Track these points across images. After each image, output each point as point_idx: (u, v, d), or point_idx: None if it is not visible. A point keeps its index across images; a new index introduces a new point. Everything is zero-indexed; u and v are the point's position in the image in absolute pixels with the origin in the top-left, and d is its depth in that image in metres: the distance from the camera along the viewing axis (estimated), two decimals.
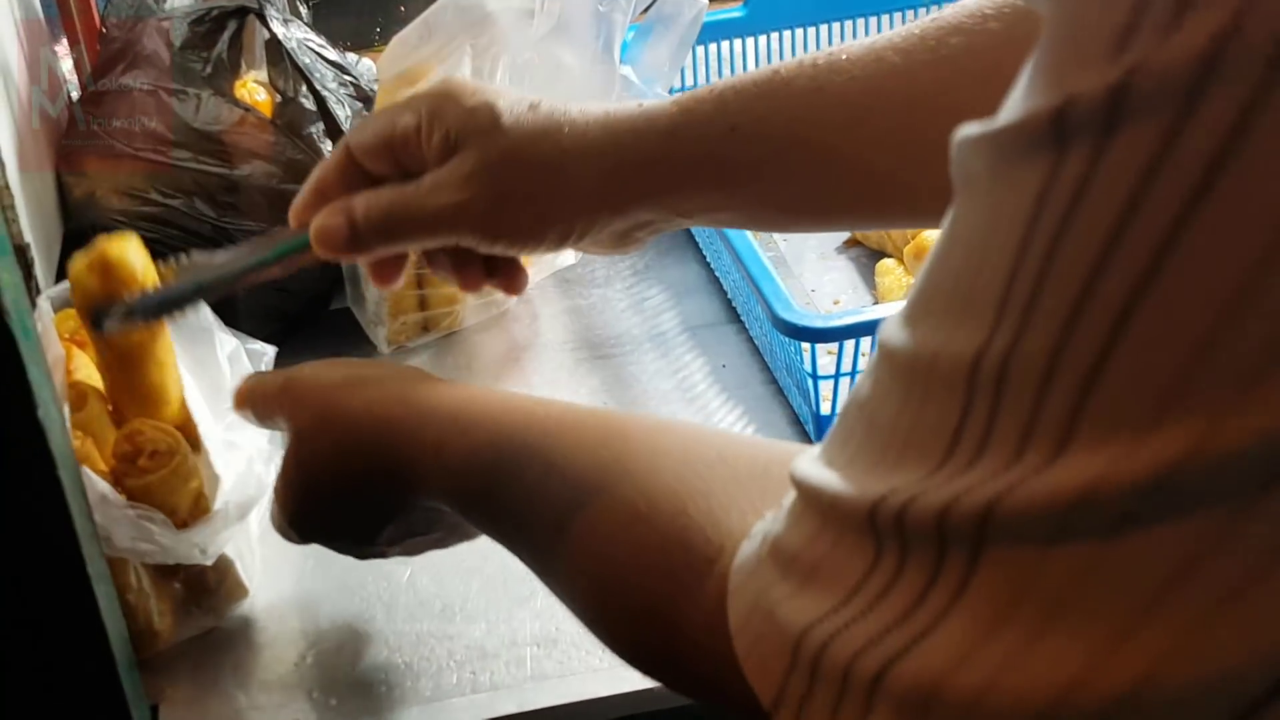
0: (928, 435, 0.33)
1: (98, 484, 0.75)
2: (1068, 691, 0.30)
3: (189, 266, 0.76)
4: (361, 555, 0.78)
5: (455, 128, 0.66)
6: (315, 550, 0.91)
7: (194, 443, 0.83)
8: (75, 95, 1.18)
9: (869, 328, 0.91)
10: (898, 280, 1.11)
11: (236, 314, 1.00)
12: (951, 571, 0.33)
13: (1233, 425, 0.27)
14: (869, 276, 1.16)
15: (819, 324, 0.90)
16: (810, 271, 1.17)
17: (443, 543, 0.77)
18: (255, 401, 0.76)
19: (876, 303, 1.13)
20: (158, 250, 1.03)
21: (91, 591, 0.68)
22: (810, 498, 0.39)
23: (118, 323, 0.77)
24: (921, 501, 0.33)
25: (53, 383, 0.67)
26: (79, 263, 0.77)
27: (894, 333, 0.35)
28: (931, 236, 1.12)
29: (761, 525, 0.43)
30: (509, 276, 0.73)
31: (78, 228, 1.06)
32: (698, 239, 1.21)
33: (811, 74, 0.64)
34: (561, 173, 0.66)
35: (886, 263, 1.14)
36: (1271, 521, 0.27)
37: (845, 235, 1.21)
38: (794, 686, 0.39)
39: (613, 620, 0.54)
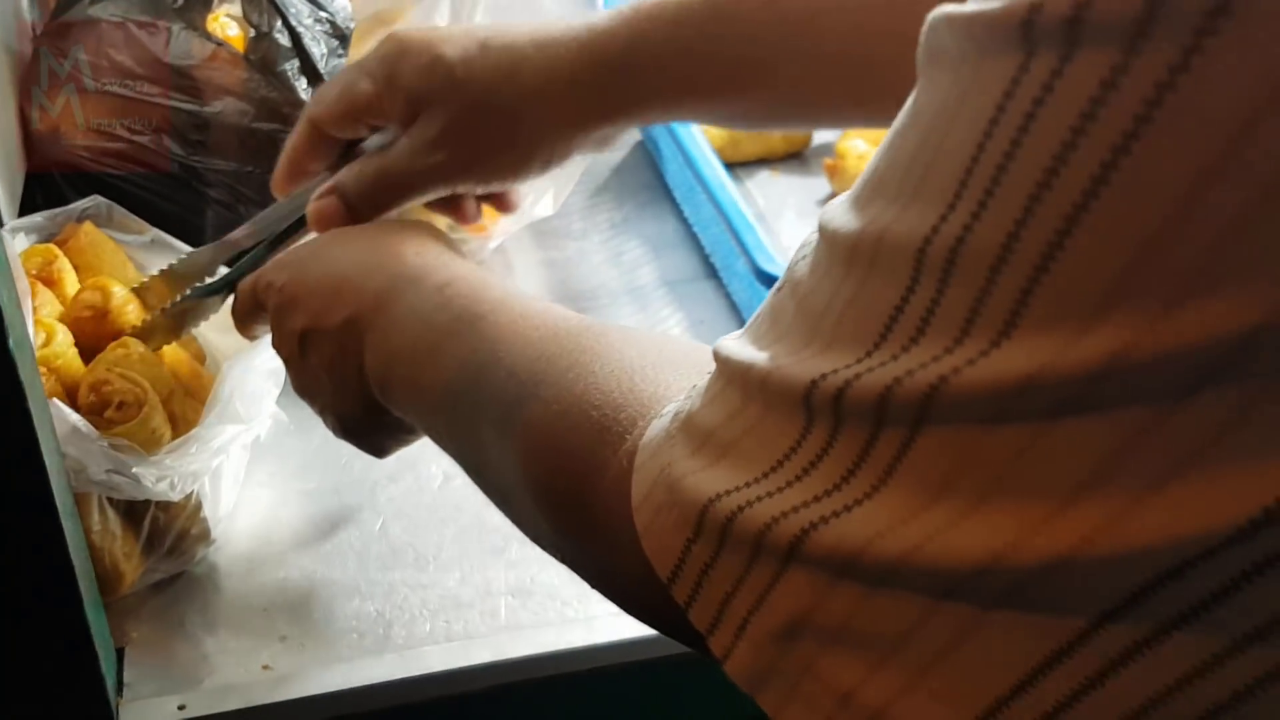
0: (864, 316, 0.34)
1: (69, 416, 0.72)
2: (996, 557, 0.32)
3: (187, 270, 0.81)
4: (334, 428, 0.74)
5: (413, 89, 0.68)
6: (285, 498, 0.89)
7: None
8: (35, 26, 1.15)
9: None
10: None
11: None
12: (885, 449, 0.34)
13: (1167, 329, 0.28)
14: None
15: None
16: (788, 227, 1.16)
17: (371, 440, 0.73)
18: (243, 301, 0.76)
19: None
20: (123, 188, 1.02)
21: (60, 526, 0.66)
22: (734, 374, 0.39)
23: (157, 340, 0.83)
24: (862, 382, 0.34)
25: (21, 313, 0.65)
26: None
27: (837, 215, 0.36)
28: None
29: (673, 405, 0.44)
30: (502, 199, 0.76)
31: (41, 163, 1.03)
32: (675, 194, 1.19)
33: None
34: (528, 114, 0.68)
35: None
36: (1194, 424, 0.29)
37: (825, 192, 1.20)
38: (696, 556, 0.40)
39: (544, 490, 0.52)
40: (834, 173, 1.18)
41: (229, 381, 0.81)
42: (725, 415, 0.39)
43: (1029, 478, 0.31)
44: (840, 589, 0.35)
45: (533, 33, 0.68)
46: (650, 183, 1.24)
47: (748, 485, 0.38)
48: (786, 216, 1.17)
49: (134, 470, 0.74)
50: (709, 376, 0.41)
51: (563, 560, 0.54)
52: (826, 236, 0.36)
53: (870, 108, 0.66)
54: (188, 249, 0.93)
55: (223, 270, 0.80)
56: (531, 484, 0.52)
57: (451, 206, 0.74)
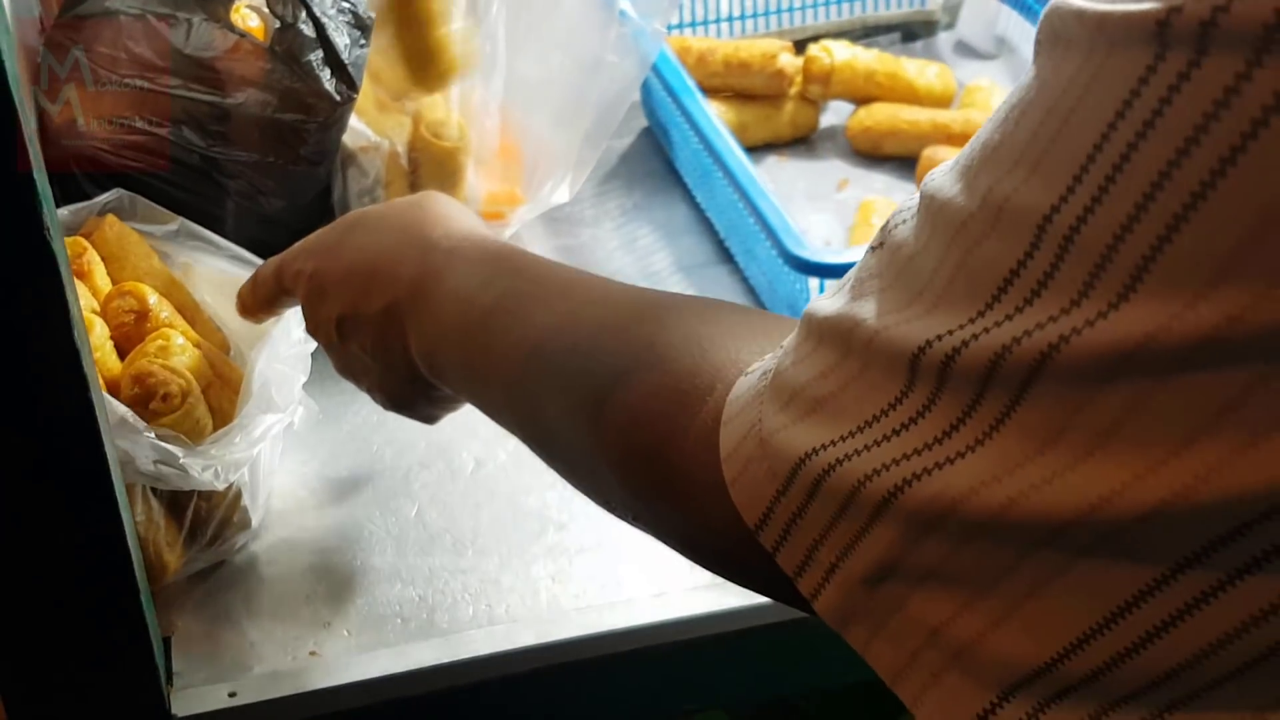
0: (978, 276, 0.36)
1: (118, 408, 0.73)
2: (1097, 505, 0.34)
3: None
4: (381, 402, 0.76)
5: None
6: (318, 486, 0.90)
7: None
8: (42, 20, 1.14)
9: None
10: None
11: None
12: (990, 408, 0.36)
13: (1273, 301, 0.31)
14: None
15: (831, 259, 0.90)
16: (800, 213, 1.17)
17: (413, 406, 0.75)
18: (266, 282, 0.78)
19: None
20: (142, 180, 1.02)
21: (119, 517, 0.67)
22: (830, 331, 0.41)
23: None
24: (977, 346, 0.36)
25: (80, 306, 0.65)
26: None
27: (945, 183, 0.38)
28: None
29: (761, 363, 0.46)
30: None
31: (59, 155, 1.03)
32: (686, 180, 1.20)
33: None
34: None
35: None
36: None
37: (838, 177, 1.21)
38: (784, 506, 0.42)
39: (619, 474, 0.52)
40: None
41: (259, 370, 0.82)
42: (818, 372, 0.41)
43: (1138, 430, 0.33)
44: (932, 537, 0.37)
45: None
46: (658, 169, 1.24)
47: (841, 440, 0.39)
48: (797, 201, 1.18)
49: (182, 461, 0.74)
50: (795, 336, 0.43)
51: (634, 521, 0.55)
52: (936, 204, 0.38)
53: None
54: (214, 237, 0.94)
55: None
56: (609, 459, 0.53)
57: None
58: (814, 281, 0.92)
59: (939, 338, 0.37)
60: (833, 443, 0.40)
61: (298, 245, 0.77)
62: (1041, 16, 0.36)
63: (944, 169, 0.39)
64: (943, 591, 0.38)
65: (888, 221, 0.41)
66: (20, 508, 0.65)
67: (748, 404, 0.44)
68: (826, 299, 0.42)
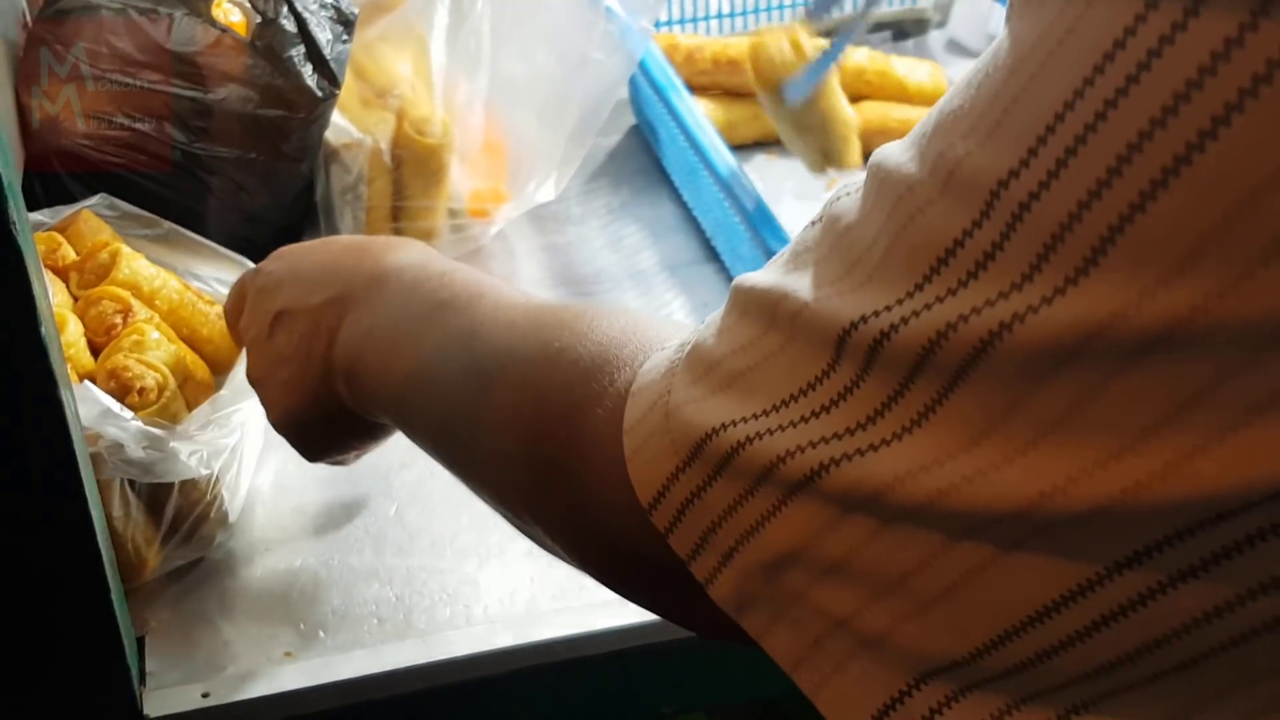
0: (915, 249, 0.33)
1: (102, 398, 0.73)
2: (1036, 500, 0.31)
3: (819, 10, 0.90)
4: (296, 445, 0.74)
5: None
6: (297, 485, 0.89)
7: None
8: (24, 15, 1.14)
9: None
10: None
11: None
12: (921, 393, 0.33)
13: (1249, 288, 0.28)
14: None
15: None
16: (787, 211, 1.16)
17: (354, 439, 0.74)
18: (231, 308, 0.77)
19: None
20: (124, 176, 1.01)
21: (89, 515, 0.66)
22: (754, 303, 0.38)
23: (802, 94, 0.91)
24: (908, 330, 0.33)
25: (50, 303, 0.65)
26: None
27: (893, 153, 0.35)
28: None
29: (678, 338, 0.43)
30: None
31: (40, 151, 1.03)
32: (673, 178, 1.19)
33: None
34: None
35: None
36: (1261, 380, 0.29)
37: (828, 177, 1.20)
38: (683, 484, 0.39)
39: (519, 445, 0.49)
40: None
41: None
42: (739, 344, 0.38)
43: (1085, 424, 0.31)
44: (847, 525, 0.35)
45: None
46: (646, 167, 1.24)
47: (755, 417, 0.37)
48: (785, 201, 1.17)
49: (171, 446, 0.74)
50: (721, 310, 0.40)
51: (531, 514, 0.51)
52: (881, 174, 0.35)
53: None
54: (202, 240, 0.93)
55: None
56: (517, 430, 0.49)
57: None
58: None
59: (870, 316, 0.34)
60: (745, 419, 0.37)
61: (274, 252, 0.77)
62: None
63: (900, 142, 0.36)
64: (851, 583, 0.36)
65: (832, 194, 0.38)
66: None
67: (659, 375, 0.41)
68: (759, 272, 0.40)
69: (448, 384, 0.56)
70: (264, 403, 0.73)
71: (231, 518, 0.84)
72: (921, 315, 0.33)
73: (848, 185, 0.38)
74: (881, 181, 0.35)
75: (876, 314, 0.34)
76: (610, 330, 0.47)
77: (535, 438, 0.48)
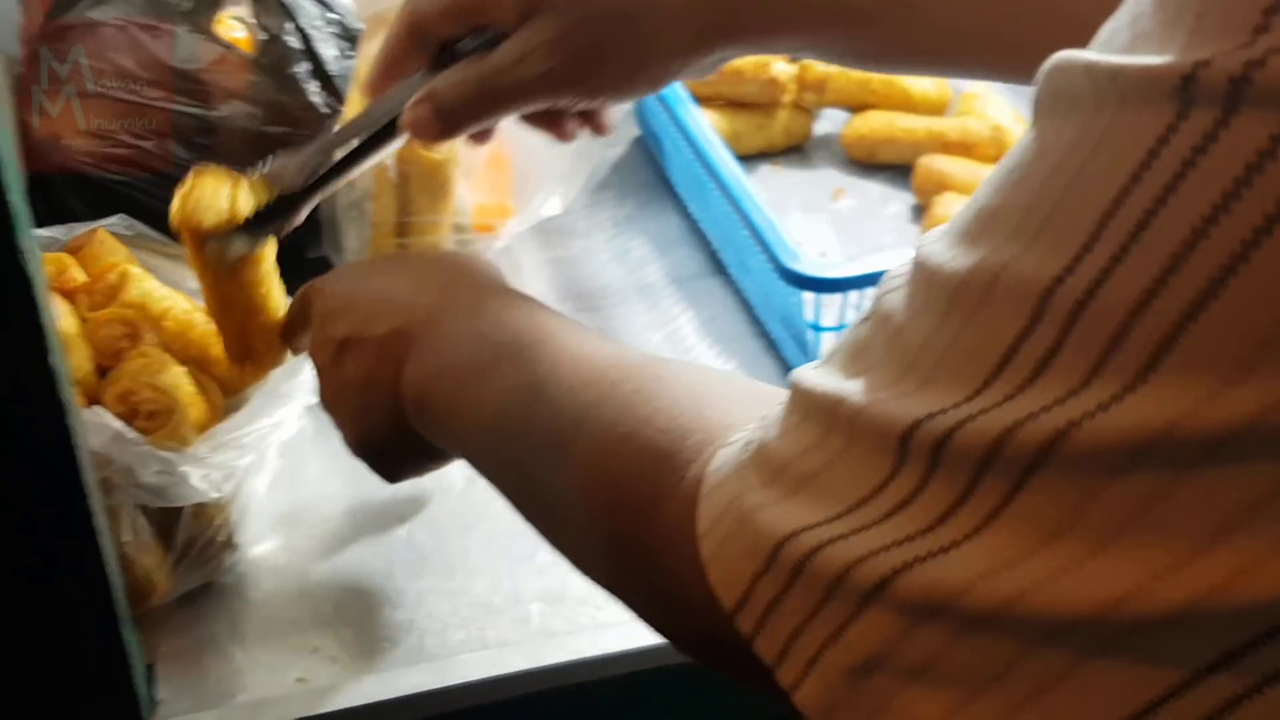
0: (973, 353, 0.33)
1: (112, 423, 0.72)
2: (1113, 604, 0.31)
3: (279, 173, 0.76)
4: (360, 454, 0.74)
5: None
6: (306, 506, 0.89)
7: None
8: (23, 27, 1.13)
9: (876, 279, 0.90)
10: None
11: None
12: (989, 494, 0.33)
13: None
14: (852, 230, 1.15)
15: (826, 274, 0.89)
16: (795, 224, 1.16)
17: (414, 462, 0.74)
18: (290, 315, 0.76)
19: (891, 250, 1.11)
20: (126, 193, 1.00)
21: (97, 544, 0.65)
22: (815, 406, 0.38)
23: (236, 247, 0.76)
24: (974, 426, 0.33)
25: (58, 330, 0.64)
26: (178, 201, 0.77)
27: (938, 250, 0.35)
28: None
29: (744, 434, 0.43)
30: (598, 120, 0.73)
31: (41, 169, 1.02)
32: (679, 190, 1.19)
33: None
34: (648, 25, 0.65)
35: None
36: None
37: (833, 186, 1.20)
38: (763, 590, 0.39)
39: (600, 520, 0.51)
40: (924, 191, 1.17)
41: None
42: (803, 448, 0.38)
43: (1158, 525, 0.30)
44: (926, 630, 0.35)
45: None
46: (651, 180, 1.23)
47: (827, 522, 0.37)
48: (792, 214, 1.17)
49: (182, 469, 0.73)
50: (782, 407, 0.41)
51: (614, 592, 0.53)
52: (926, 272, 0.35)
53: (1002, 63, 0.65)
54: None
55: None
56: (589, 508, 0.51)
57: (549, 122, 0.71)
58: (808, 296, 0.91)
59: (931, 416, 0.34)
60: (815, 525, 0.37)
61: (334, 270, 0.76)
62: (1041, 74, 0.33)
63: (938, 233, 0.36)
64: (935, 689, 0.35)
65: (879, 287, 0.39)
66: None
67: (728, 476, 0.42)
68: (815, 368, 0.40)
69: (514, 445, 0.57)
70: (339, 427, 0.73)
71: (241, 540, 0.83)
72: (984, 416, 0.33)
73: (895, 276, 0.38)
74: (928, 281, 0.35)
75: (938, 414, 0.34)
76: (673, 414, 0.48)
77: (610, 526, 0.49)
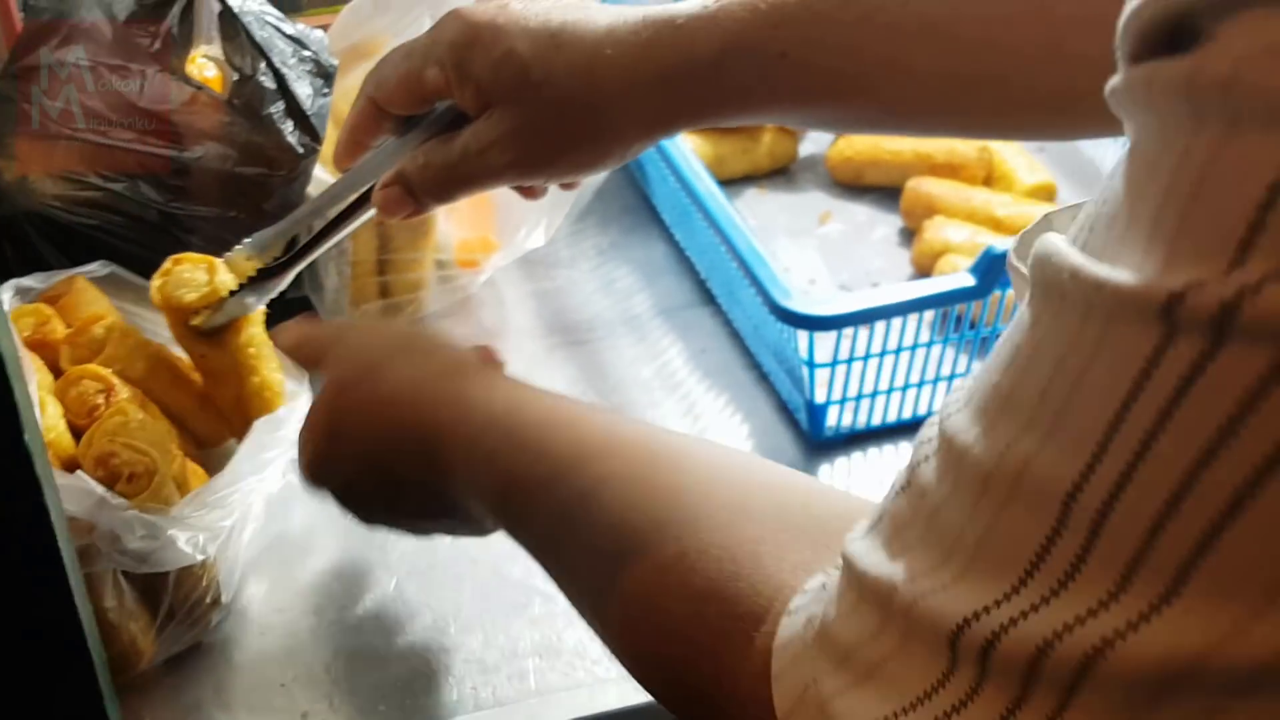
0: (1005, 547, 0.33)
1: (95, 489, 0.70)
2: None
3: (257, 245, 0.77)
4: (369, 518, 0.73)
5: (485, 82, 0.67)
6: (292, 560, 0.86)
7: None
8: None
9: (872, 315, 0.88)
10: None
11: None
12: (1040, 705, 0.33)
13: None
14: (841, 255, 1.13)
15: (820, 311, 0.87)
16: (783, 250, 1.14)
17: (453, 530, 0.74)
18: (304, 345, 0.76)
19: (875, 284, 1.10)
20: (98, 237, 0.97)
21: (79, 623, 0.63)
22: (869, 590, 0.38)
23: (220, 320, 0.79)
24: (1016, 635, 0.33)
25: (33, 403, 0.61)
26: (158, 282, 0.79)
27: (962, 426, 0.35)
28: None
29: (803, 600, 0.43)
30: (569, 184, 0.78)
31: (10, 213, 0.99)
32: (665, 218, 1.16)
33: None
34: (610, 114, 0.67)
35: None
36: None
37: (820, 209, 1.18)
38: None
39: (654, 666, 0.52)
40: (912, 215, 1.15)
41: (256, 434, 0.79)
42: (865, 634, 0.38)
43: None
44: None
45: (610, 25, 0.65)
46: (635, 206, 1.21)
47: (895, 716, 0.37)
48: (779, 239, 1.15)
49: (168, 533, 0.71)
50: (838, 582, 0.40)
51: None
52: (955, 452, 0.35)
53: (974, 123, 0.66)
54: None
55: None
56: (641, 665, 0.52)
57: (518, 188, 0.75)
58: (802, 333, 0.88)
59: (976, 616, 0.34)
60: (887, 718, 0.37)
61: (339, 352, 0.73)
62: (1033, 254, 0.33)
63: (961, 405, 0.36)
64: None
65: (913, 456, 0.38)
66: None
67: (798, 657, 0.41)
68: (864, 537, 0.39)
69: (557, 574, 0.58)
70: (383, 523, 0.73)
71: (226, 598, 0.81)
72: (1024, 622, 0.32)
73: (925, 442, 0.38)
74: (958, 462, 0.35)
75: (981, 615, 0.34)
76: (720, 558, 0.48)
77: (670, 688, 0.50)
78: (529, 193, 0.77)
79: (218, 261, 0.78)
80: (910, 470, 0.38)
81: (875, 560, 0.38)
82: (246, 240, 0.78)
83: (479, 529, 0.72)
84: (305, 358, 0.77)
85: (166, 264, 0.79)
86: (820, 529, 0.48)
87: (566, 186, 0.77)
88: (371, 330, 0.77)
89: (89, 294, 0.89)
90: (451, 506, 0.68)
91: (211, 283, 0.77)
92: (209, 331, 0.79)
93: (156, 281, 0.79)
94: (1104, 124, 0.65)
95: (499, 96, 0.66)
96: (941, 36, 0.61)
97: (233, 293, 0.78)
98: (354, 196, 0.74)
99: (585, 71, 0.65)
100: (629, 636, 0.52)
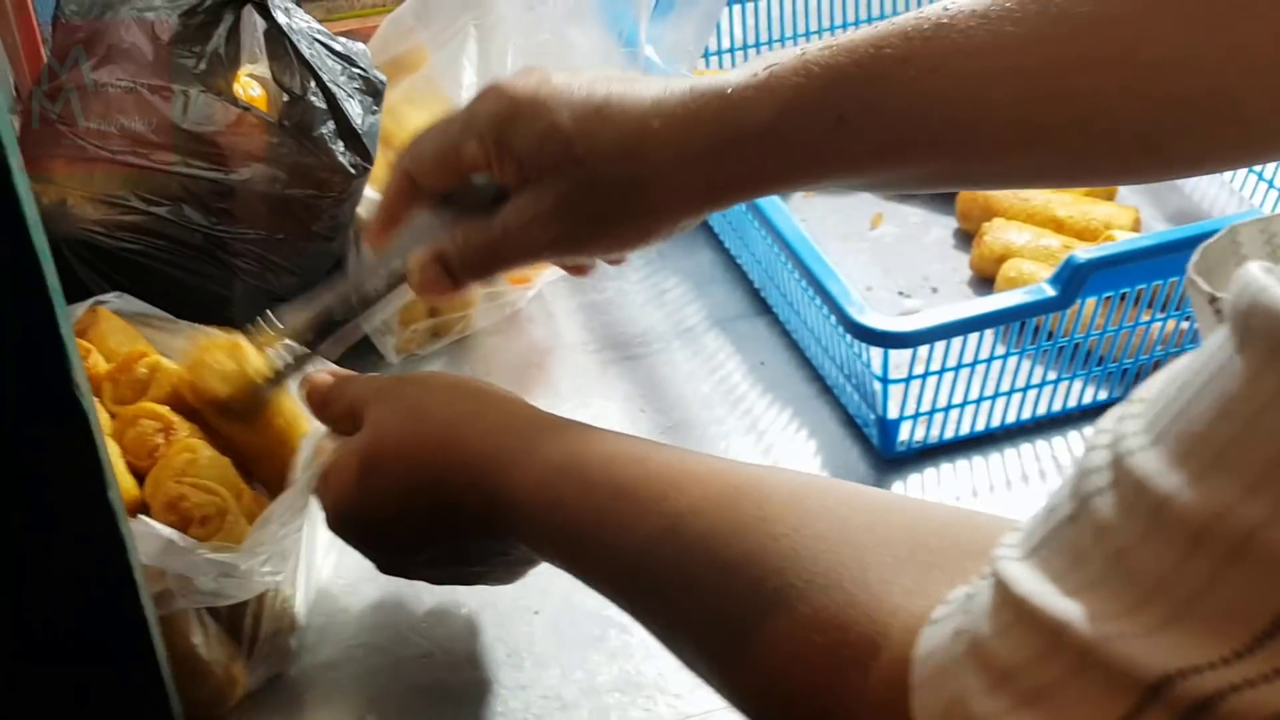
0: (1231, 610, 0.32)
1: (164, 532, 0.68)
2: None
3: (290, 328, 0.75)
4: (387, 566, 0.72)
5: (527, 157, 0.64)
6: (362, 594, 0.84)
7: None
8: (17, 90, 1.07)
9: (951, 330, 0.86)
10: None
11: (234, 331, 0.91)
12: None
13: None
14: (895, 259, 1.11)
15: (899, 328, 0.84)
16: (834, 256, 1.11)
17: (484, 578, 0.73)
18: (333, 398, 0.72)
19: (934, 289, 1.07)
20: (142, 263, 0.95)
21: (163, 683, 0.61)
22: (1032, 617, 0.36)
23: (253, 405, 0.77)
24: (1246, 699, 0.31)
25: (109, 453, 0.59)
26: (187, 368, 0.78)
27: (1158, 470, 0.33)
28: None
29: (946, 610, 0.41)
30: (616, 258, 0.73)
31: (49, 239, 0.96)
32: (714, 226, 1.14)
33: (923, 52, 0.59)
34: (657, 189, 0.64)
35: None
36: None
37: (870, 212, 1.15)
38: None
39: (763, 702, 0.50)
40: (969, 217, 1.12)
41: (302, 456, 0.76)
42: (1028, 657, 0.36)
43: None
44: None
45: (656, 97, 0.63)
46: None
47: None
48: (831, 243, 1.12)
49: (244, 568, 0.69)
50: (989, 598, 0.38)
51: None
52: (1147, 495, 0.33)
53: (1050, 171, 0.63)
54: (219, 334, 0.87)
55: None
56: (757, 703, 0.50)
57: (564, 265, 0.73)
58: (876, 350, 0.86)
59: (1194, 670, 0.32)
60: None
61: (365, 388, 0.72)
62: (1241, 295, 0.31)
63: (1138, 432, 0.34)
64: None
65: (1079, 482, 0.36)
66: (64, 679, 0.59)
67: (943, 670, 0.39)
68: (1020, 560, 0.37)
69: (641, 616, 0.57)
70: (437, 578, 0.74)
71: (301, 620, 0.79)
72: (1256, 689, 0.31)
73: (1094, 470, 0.35)
74: (1155, 508, 0.33)
75: (1198, 670, 0.32)
76: (829, 586, 0.46)
77: (782, 711, 0.48)
78: (575, 270, 0.74)
79: (245, 344, 0.76)
80: (1079, 500, 0.36)
81: (1039, 589, 0.36)
82: (276, 316, 0.75)
83: (509, 575, 0.72)
84: (330, 411, 0.73)
85: (194, 352, 0.77)
86: (925, 547, 0.46)
87: (614, 262, 0.73)
88: (408, 377, 0.75)
89: (114, 324, 0.86)
90: (489, 553, 0.67)
91: (241, 369, 0.75)
92: (241, 412, 0.77)
93: (185, 366, 0.77)
94: (1196, 162, 0.63)
95: (541, 171, 0.64)
96: (1012, 88, 0.57)
97: (266, 379, 0.76)
98: (391, 280, 0.71)
99: (632, 145, 0.62)
100: (736, 672, 0.51)
